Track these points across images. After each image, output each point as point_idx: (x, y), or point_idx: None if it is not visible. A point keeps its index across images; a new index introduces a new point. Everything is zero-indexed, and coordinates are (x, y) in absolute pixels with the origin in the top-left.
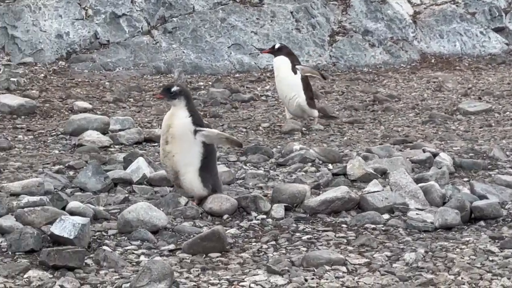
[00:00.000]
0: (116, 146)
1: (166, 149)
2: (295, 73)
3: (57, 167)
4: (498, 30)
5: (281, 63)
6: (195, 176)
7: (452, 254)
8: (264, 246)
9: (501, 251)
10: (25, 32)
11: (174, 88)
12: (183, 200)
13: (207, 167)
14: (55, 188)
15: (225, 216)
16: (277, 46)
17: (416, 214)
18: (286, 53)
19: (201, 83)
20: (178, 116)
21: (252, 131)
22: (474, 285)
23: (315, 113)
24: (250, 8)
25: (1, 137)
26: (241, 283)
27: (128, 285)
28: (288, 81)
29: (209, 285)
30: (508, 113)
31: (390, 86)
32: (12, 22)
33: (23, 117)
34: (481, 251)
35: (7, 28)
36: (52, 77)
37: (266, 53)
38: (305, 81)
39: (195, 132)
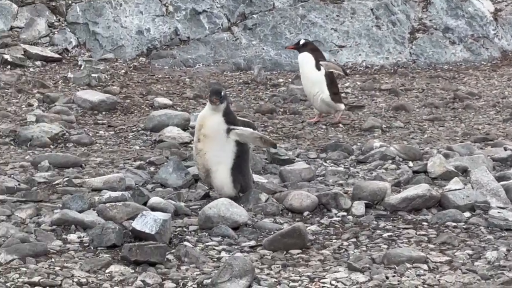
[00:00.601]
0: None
1: (198, 147)
2: (319, 69)
3: (138, 162)
4: None
5: (305, 60)
6: (227, 175)
7: None
8: (345, 243)
9: None
10: (106, 29)
11: (223, 92)
12: (263, 196)
13: (239, 167)
14: (136, 184)
15: (306, 213)
16: (301, 42)
17: (498, 212)
18: (310, 49)
19: (281, 80)
20: (212, 116)
21: (332, 128)
22: None
23: (341, 106)
24: (330, 5)
25: (82, 132)
26: (322, 280)
27: (209, 281)
28: (312, 78)
29: (290, 281)
30: None
31: (470, 83)
32: (94, 19)
33: (104, 112)
34: None
35: (88, 24)
36: (132, 73)
37: (290, 49)
38: (329, 76)
39: (228, 130)
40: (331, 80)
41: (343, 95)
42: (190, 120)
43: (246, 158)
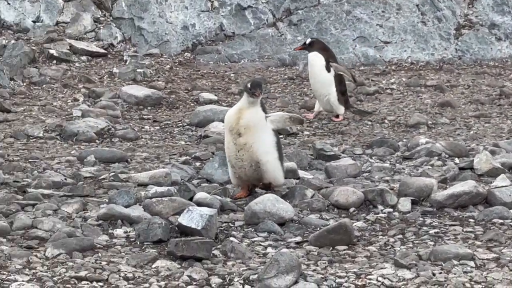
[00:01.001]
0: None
1: (240, 142)
2: (329, 70)
3: (183, 158)
4: None
5: (315, 60)
6: (277, 164)
7: None
8: (391, 239)
9: None
10: (152, 24)
11: (263, 85)
12: (309, 192)
13: (282, 157)
14: (181, 179)
15: (352, 209)
16: (308, 41)
17: None
18: (320, 49)
19: None
20: (251, 108)
21: (378, 124)
22: None
23: (342, 110)
24: (375, 1)
25: (128, 127)
26: (368, 277)
27: (255, 276)
28: (321, 79)
29: (336, 277)
30: None
31: None
32: (139, 14)
33: (149, 108)
34: None
35: (133, 19)
36: (177, 69)
37: (299, 49)
38: (338, 78)
39: (265, 118)
40: (340, 81)
41: (388, 91)
42: None
43: (281, 148)
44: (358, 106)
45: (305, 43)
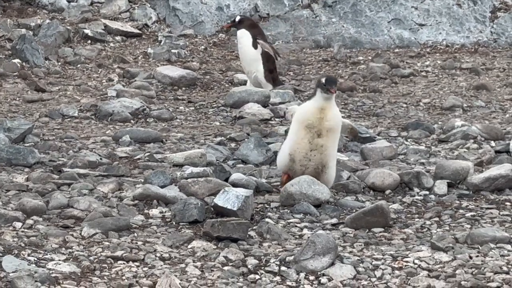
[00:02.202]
0: (277, 119)
1: (318, 142)
2: (256, 47)
3: (218, 138)
4: None
5: (243, 37)
6: (334, 169)
7: None
8: (427, 222)
9: None
10: (186, 4)
11: (338, 82)
12: (345, 174)
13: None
14: (217, 160)
15: (387, 191)
16: (237, 19)
17: None
18: (248, 26)
19: (361, 58)
20: (332, 107)
21: (413, 107)
22: None
23: (269, 87)
24: None
25: (162, 108)
26: (405, 259)
27: (292, 258)
28: (248, 56)
29: (373, 260)
30: None
31: None
32: None
33: (183, 88)
34: None
35: (168, 0)
36: (212, 49)
37: (228, 27)
38: (266, 55)
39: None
40: (268, 59)
41: (423, 73)
42: (270, 97)
43: None
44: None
45: (234, 20)
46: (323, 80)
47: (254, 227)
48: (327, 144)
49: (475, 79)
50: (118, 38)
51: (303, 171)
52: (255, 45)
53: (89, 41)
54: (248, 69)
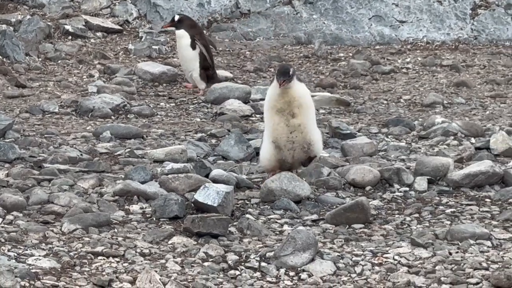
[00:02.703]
0: (258, 115)
1: (294, 123)
2: (194, 48)
3: (199, 135)
4: None
5: (182, 38)
6: (320, 138)
7: None
8: (407, 218)
9: None
10: (167, 1)
11: (291, 71)
12: (325, 170)
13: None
14: (197, 156)
15: (368, 188)
16: (176, 18)
17: None
18: (187, 26)
19: (341, 54)
20: (296, 88)
21: (393, 103)
22: None
23: (203, 85)
24: None
25: (143, 104)
26: (385, 255)
27: (272, 253)
28: (186, 56)
29: (353, 256)
30: None
31: None
32: None
33: (164, 84)
34: None
35: None
36: None
37: (167, 27)
38: (202, 55)
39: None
40: (204, 58)
41: (403, 70)
42: (251, 93)
43: None
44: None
45: (173, 19)
46: (276, 71)
47: (235, 223)
48: (304, 121)
49: (455, 76)
50: (99, 34)
51: (293, 155)
52: (193, 46)
53: (70, 37)
54: (185, 68)
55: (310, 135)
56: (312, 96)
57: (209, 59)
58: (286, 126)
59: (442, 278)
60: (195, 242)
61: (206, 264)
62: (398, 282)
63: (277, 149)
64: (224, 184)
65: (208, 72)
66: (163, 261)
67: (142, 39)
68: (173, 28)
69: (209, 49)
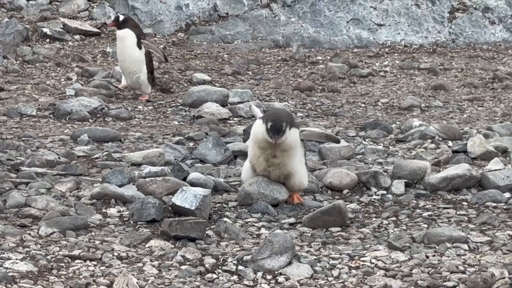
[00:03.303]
0: (235, 119)
1: (274, 161)
2: (140, 48)
3: (177, 138)
4: None
5: (126, 37)
6: (304, 169)
7: None
8: (385, 221)
9: None
10: (145, 3)
11: (284, 126)
12: None
13: (306, 160)
14: (175, 159)
15: (345, 191)
16: (121, 18)
17: None
18: (131, 26)
19: (319, 58)
20: (289, 136)
21: (371, 107)
22: None
23: (149, 89)
24: None
25: (121, 107)
26: (362, 258)
27: (249, 257)
28: (132, 56)
29: (330, 259)
30: None
31: (510, 64)
32: None
33: None
34: None
35: None
36: (171, 49)
37: (111, 26)
38: (148, 55)
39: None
40: (149, 59)
41: (381, 73)
42: (229, 96)
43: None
44: (164, 85)
45: (117, 19)
46: (269, 125)
47: (212, 227)
48: (284, 161)
49: (433, 79)
50: (77, 37)
51: (274, 179)
52: (139, 45)
53: (48, 40)
54: (130, 70)
55: (289, 169)
56: (302, 131)
57: (162, 58)
58: (265, 161)
59: (419, 282)
60: (173, 246)
61: (183, 267)
62: (375, 285)
63: (253, 171)
64: (201, 187)
65: (153, 75)
66: (140, 264)
67: None
68: (115, 28)
69: (156, 49)
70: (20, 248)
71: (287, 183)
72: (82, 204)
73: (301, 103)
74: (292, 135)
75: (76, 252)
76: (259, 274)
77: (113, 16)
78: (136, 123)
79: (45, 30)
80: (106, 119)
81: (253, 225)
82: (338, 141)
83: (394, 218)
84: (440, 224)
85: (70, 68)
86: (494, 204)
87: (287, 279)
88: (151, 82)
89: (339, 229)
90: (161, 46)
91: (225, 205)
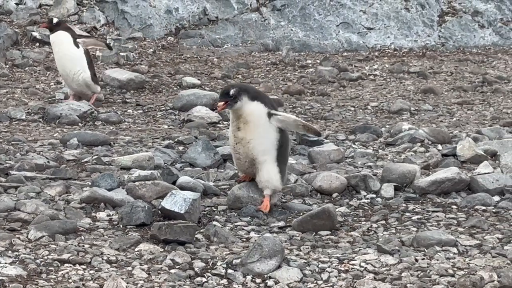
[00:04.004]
0: (225, 122)
1: (239, 135)
2: (78, 47)
3: (166, 142)
4: None
5: (61, 38)
6: (273, 165)
7: None
8: (374, 225)
9: None
10: (135, 7)
11: (232, 91)
12: (292, 177)
13: (283, 158)
14: (165, 163)
15: (335, 195)
16: (55, 21)
17: None
18: (64, 28)
19: (309, 61)
20: (247, 107)
21: (361, 110)
22: None
23: (98, 88)
24: None
25: (111, 111)
26: (351, 262)
27: (238, 261)
28: (71, 56)
29: (320, 262)
30: None
31: (499, 67)
32: None
33: (132, 91)
34: None
35: (117, 3)
36: (161, 52)
37: (43, 27)
38: (88, 54)
39: (269, 115)
40: (90, 59)
41: (371, 77)
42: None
43: (287, 149)
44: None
45: (50, 21)
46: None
47: (201, 230)
48: (247, 136)
49: (422, 83)
50: None
51: (241, 166)
52: (76, 44)
53: (37, 44)
54: (74, 71)
55: (253, 152)
56: (275, 114)
57: (103, 47)
58: (234, 136)
59: (408, 285)
60: (162, 249)
61: (172, 271)
62: None
63: (233, 156)
64: (191, 191)
65: (96, 77)
66: (129, 268)
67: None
68: (47, 29)
69: (97, 43)
70: (10, 252)
71: (256, 178)
72: (71, 208)
73: (291, 106)
74: (253, 107)
75: (65, 256)
76: (249, 277)
77: (102, 20)
78: (125, 127)
79: (35, 34)
80: (95, 123)
81: (243, 229)
82: (318, 134)
83: (383, 222)
84: (429, 228)
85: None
86: (483, 208)
87: (276, 282)
88: (97, 81)
89: (329, 232)
90: (151, 50)
91: (214, 209)
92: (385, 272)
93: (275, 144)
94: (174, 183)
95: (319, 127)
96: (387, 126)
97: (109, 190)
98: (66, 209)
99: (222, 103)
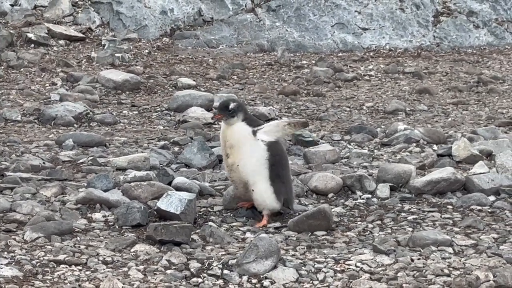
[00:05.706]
0: (220, 123)
1: (228, 162)
2: None
3: (162, 142)
4: None
5: None
6: (266, 185)
7: None
8: (370, 225)
9: None
10: (130, 8)
11: (232, 105)
12: None
13: (278, 176)
14: (160, 164)
15: (330, 195)
16: None
17: None
18: None
19: (304, 62)
20: (232, 126)
21: (356, 111)
22: None
23: None
24: None
25: (106, 112)
26: (347, 262)
27: (234, 261)
28: None
29: (315, 263)
30: None
31: (494, 67)
32: None
33: (127, 92)
34: None
35: (112, 4)
36: (156, 53)
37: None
38: None
39: (254, 133)
40: None
41: (366, 77)
42: (214, 101)
43: (284, 166)
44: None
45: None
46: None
47: (197, 231)
48: (236, 161)
49: (418, 83)
50: (61, 42)
51: (239, 193)
52: None
53: (33, 45)
54: None
55: (245, 175)
56: (259, 129)
57: None
58: (226, 166)
59: (404, 285)
60: (158, 250)
61: (168, 272)
62: None
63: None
64: (186, 191)
65: None
66: (125, 269)
67: (105, 47)
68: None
69: None
70: (5, 253)
71: (253, 200)
72: (67, 209)
73: (286, 107)
74: (238, 130)
75: (61, 257)
76: (245, 278)
77: (97, 21)
78: (121, 128)
79: (30, 35)
80: (91, 124)
81: (238, 229)
82: (306, 124)
83: (379, 222)
84: (425, 228)
85: (55, 73)
86: (478, 208)
87: (272, 283)
88: None
89: (324, 233)
90: (146, 51)
91: (210, 210)
92: (381, 272)
93: (264, 163)
94: (169, 183)
95: (314, 127)
96: (382, 127)
97: (105, 191)
98: (61, 210)
99: (219, 115)
